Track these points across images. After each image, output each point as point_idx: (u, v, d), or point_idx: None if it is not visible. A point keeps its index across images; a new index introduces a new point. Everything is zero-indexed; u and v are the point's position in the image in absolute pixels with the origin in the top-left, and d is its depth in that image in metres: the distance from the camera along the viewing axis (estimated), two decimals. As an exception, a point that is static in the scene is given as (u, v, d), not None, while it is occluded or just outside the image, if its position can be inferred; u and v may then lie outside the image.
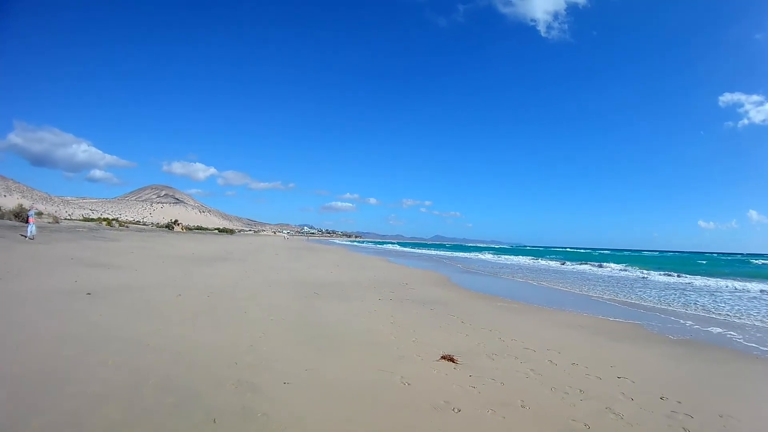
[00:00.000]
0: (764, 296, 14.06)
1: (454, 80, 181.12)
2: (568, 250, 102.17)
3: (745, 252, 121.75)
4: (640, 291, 15.18)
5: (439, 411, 3.34)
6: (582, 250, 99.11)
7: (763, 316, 9.80)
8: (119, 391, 3.14)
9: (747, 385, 4.96)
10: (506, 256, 48.17)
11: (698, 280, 20.67)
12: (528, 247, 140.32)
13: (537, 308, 9.75)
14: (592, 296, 13.05)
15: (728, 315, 10.09)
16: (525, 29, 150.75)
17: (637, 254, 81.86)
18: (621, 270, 28.49)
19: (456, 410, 3.40)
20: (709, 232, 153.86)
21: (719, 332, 7.97)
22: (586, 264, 33.70)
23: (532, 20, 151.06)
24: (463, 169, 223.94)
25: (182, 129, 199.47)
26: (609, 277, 22.74)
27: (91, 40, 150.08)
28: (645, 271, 27.11)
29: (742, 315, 10.17)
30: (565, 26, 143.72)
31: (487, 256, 48.90)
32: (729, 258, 68.97)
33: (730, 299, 13.23)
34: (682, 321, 9.08)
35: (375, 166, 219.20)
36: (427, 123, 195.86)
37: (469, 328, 6.99)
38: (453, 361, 4.78)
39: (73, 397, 2.96)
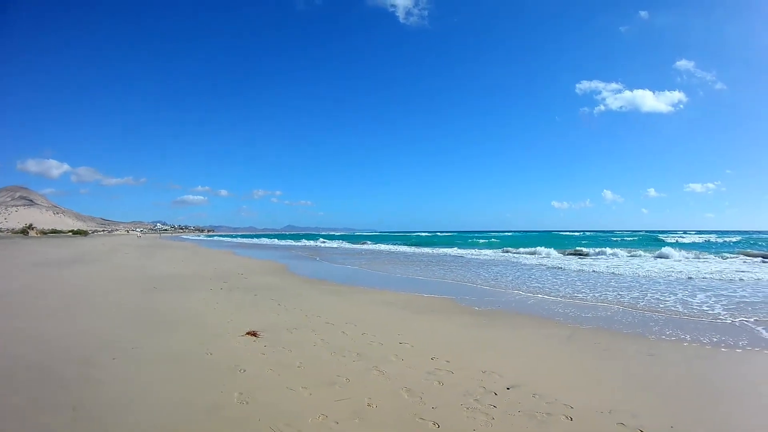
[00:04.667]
0: (603, 275, 15.82)
1: (305, 68, 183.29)
2: (414, 234, 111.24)
3: (602, 229, 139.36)
4: (476, 269, 17.40)
5: (228, 371, 4.84)
6: (425, 234, 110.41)
7: (587, 288, 11.70)
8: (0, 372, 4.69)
9: (528, 345, 5.77)
10: (353, 244, 51.71)
11: (535, 259, 23.77)
12: (378, 233, 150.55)
13: (358, 289, 11.21)
14: (417, 276, 15.38)
15: (550, 288, 11.60)
16: (384, 15, 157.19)
17: (482, 235, 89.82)
18: (461, 251, 32.83)
19: (242, 371, 4.86)
20: (563, 212, 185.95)
21: (534, 302, 9.52)
22: (428, 248, 38.47)
23: (392, 5, 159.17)
24: (313, 158, 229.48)
25: (33, 121, 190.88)
26: (449, 257, 26.38)
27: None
28: (484, 251, 31.33)
29: (565, 287, 11.66)
30: (425, 12, 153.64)
31: (334, 244, 52.54)
32: (583, 236, 76.85)
33: (561, 274, 15.29)
34: (499, 294, 10.52)
35: (225, 156, 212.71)
36: (276, 111, 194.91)
37: (282, 309, 7.93)
38: (255, 336, 6.17)
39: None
